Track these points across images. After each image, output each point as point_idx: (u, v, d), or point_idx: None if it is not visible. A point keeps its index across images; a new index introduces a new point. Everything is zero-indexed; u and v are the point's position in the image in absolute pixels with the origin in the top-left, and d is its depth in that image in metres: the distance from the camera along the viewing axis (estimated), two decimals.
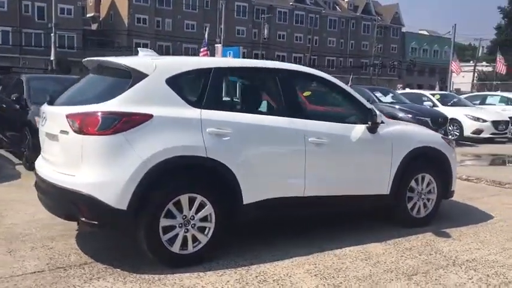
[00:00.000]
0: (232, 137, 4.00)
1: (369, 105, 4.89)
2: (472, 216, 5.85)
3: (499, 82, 35.79)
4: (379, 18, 70.64)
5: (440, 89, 37.43)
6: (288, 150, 4.35)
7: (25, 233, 4.67)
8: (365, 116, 4.78)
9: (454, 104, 15.32)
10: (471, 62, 66.82)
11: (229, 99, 4.41)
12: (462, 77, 47.96)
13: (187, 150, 3.83)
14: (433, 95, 15.32)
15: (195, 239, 3.95)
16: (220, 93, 4.28)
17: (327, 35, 67.63)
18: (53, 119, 4.01)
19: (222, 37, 41.79)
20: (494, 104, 16.25)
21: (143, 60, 4.10)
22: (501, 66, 34.00)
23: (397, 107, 12.60)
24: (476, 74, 59.50)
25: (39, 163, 4.45)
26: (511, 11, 58.00)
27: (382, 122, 4.84)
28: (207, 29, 31.44)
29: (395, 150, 4.94)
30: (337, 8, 70.06)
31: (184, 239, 3.90)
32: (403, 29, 75.56)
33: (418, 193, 5.22)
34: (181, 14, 58.11)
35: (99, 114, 3.64)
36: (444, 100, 15.34)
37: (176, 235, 3.87)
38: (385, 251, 4.48)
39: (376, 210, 5.26)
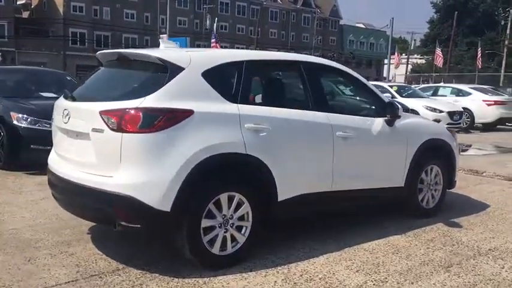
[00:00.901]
0: (268, 133, 3.87)
1: (386, 99, 4.91)
2: (470, 205, 6.03)
3: (437, 74, 37.34)
4: (318, 10, 71.78)
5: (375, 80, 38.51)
6: (319, 145, 4.28)
7: (34, 238, 4.32)
8: (382, 109, 4.78)
9: (410, 96, 15.82)
10: (403, 54, 69.41)
11: (262, 93, 4.26)
12: (395, 69, 49.63)
13: (229, 147, 3.67)
14: (391, 86, 15.74)
15: (233, 239, 3.80)
16: (256, 87, 4.13)
17: (269, 26, 67.85)
18: (80, 116, 3.70)
19: (167, 27, 41.05)
20: (446, 95, 16.93)
21: (177, 52, 3.88)
22: (439, 59, 35.47)
23: None
24: (410, 66, 61.90)
25: (54, 161, 4.13)
26: (444, 5, 60.65)
27: None
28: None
29: (409, 142, 5.00)
30: (278, 0, 70.41)
31: (224, 240, 3.75)
32: (341, 22, 77.16)
33: (427, 184, 5.32)
34: (120, 3, 56.20)
35: (141, 110, 3.39)
36: (400, 92, 15.80)
37: (216, 236, 3.71)
38: (409, 243, 4.52)
39: (385, 203, 5.29)
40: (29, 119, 7.04)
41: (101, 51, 4.25)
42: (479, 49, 36.98)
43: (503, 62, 43.79)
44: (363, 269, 3.87)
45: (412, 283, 3.62)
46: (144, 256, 3.94)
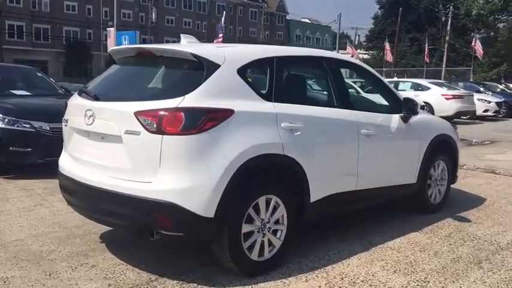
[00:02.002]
0: (302, 132, 3.72)
1: (400, 96, 4.88)
2: (466, 199, 6.13)
3: (387, 69, 38.34)
4: (266, 5, 71.89)
5: None
6: (347, 143, 4.19)
7: (44, 250, 3.98)
8: (398, 105, 4.75)
9: (372, 91, 16.04)
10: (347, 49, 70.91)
11: (292, 90, 4.09)
12: None
13: (268, 148, 3.49)
14: (355, 82, 15.90)
15: (270, 244, 3.64)
16: (287, 84, 3.96)
17: (216, 20, 67.13)
18: (109, 117, 3.39)
19: (114, 20, 39.80)
20: (405, 90, 17.31)
21: (210, 48, 3.65)
22: (389, 54, 36.38)
23: None
24: None
25: (69, 165, 3.80)
26: (387, 1, 62.25)
27: None
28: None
29: (422, 138, 5.01)
30: None
31: (262, 245, 3.58)
32: (288, 17, 77.74)
33: (434, 180, 5.36)
34: None
35: (182, 110, 3.16)
36: (363, 87, 15.99)
37: (255, 241, 3.53)
38: (430, 240, 4.51)
39: (399, 200, 5.27)
40: (6, 120, 6.52)
41: (116, 47, 3.96)
42: (426, 45, 38.20)
43: (444, 57, 45.61)
44: (399, 269, 3.81)
45: (453, 282, 3.60)
46: (173, 265, 3.71)
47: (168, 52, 3.62)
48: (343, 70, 4.71)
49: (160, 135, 3.14)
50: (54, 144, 6.36)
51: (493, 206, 5.83)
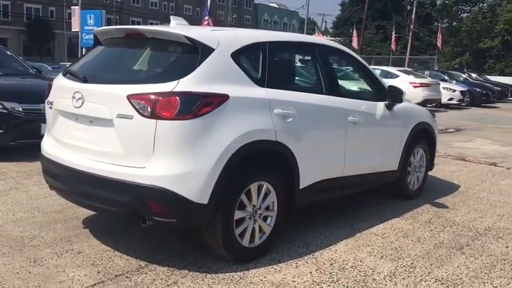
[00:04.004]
0: (294, 118, 3.71)
1: (385, 84, 4.92)
2: (441, 186, 6.27)
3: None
4: None
5: None
6: (335, 130, 4.20)
7: (26, 236, 3.85)
8: (383, 93, 4.79)
9: (343, 78, 16.13)
10: (314, 35, 71.18)
11: (284, 76, 4.04)
12: None
13: (262, 134, 3.46)
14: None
15: (260, 230, 3.64)
16: (279, 69, 3.91)
17: (183, 2, 66.32)
18: (99, 100, 3.27)
19: None
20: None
21: (204, 31, 3.57)
22: (355, 41, 36.70)
23: None
24: None
25: (53, 148, 3.68)
26: None
27: None
28: None
29: (404, 126, 5.08)
30: None
31: (253, 231, 3.57)
32: (256, 1, 77.27)
33: (414, 167, 5.46)
34: None
35: (177, 95, 3.08)
36: None
37: (246, 228, 3.52)
38: (412, 226, 4.60)
39: (380, 187, 5.34)
40: None
41: (102, 28, 3.82)
42: (393, 32, 38.72)
43: (409, 46, 46.41)
44: (385, 255, 3.87)
45: (439, 267, 3.68)
46: (161, 251, 3.65)
47: (161, 34, 3.52)
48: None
49: (155, 120, 3.06)
50: (27, 126, 6.23)
51: (467, 192, 5.99)
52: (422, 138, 5.47)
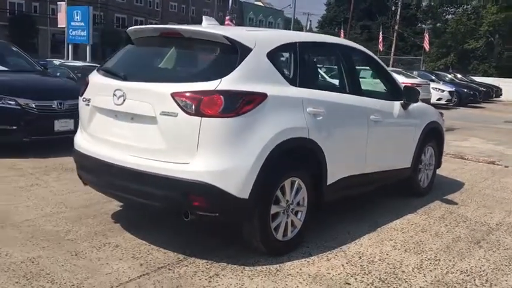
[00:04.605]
0: (324, 117, 3.84)
1: (400, 84, 5.09)
2: (448, 183, 6.46)
3: None
4: None
5: None
6: (358, 128, 4.35)
7: (60, 230, 3.93)
8: (398, 93, 4.96)
9: (335, 77, 16.37)
10: None
11: (313, 75, 4.18)
12: None
13: (297, 132, 3.59)
14: (320, 67, 16.15)
15: (292, 224, 3.77)
16: (309, 69, 4.04)
17: None
18: (143, 97, 3.36)
19: None
20: (366, 78, 17.72)
21: (241, 31, 3.68)
22: None
23: None
24: None
25: (89, 144, 3.75)
26: None
27: None
28: None
29: (418, 125, 5.26)
30: None
31: (286, 225, 3.70)
32: None
33: (424, 165, 5.63)
34: None
35: (222, 93, 3.19)
36: (326, 72, 16.29)
37: (280, 222, 3.64)
38: (427, 221, 4.77)
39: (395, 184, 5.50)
40: None
41: (136, 27, 3.90)
42: (380, 33, 39.12)
43: (393, 46, 46.92)
44: (409, 248, 4.03)
45: (461, 260, 3.85)
46: (195, 245, 3.76)
47: (200, 34, 3.61)
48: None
49: (199, 117, 3.17)
50: (40, 122, 6.25)
51: (472, 189, 6.20)
52: (432, 137, 5.65)
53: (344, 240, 4.10)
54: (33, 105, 6.27)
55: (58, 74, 10.36)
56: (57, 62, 16.93)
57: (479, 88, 25.64)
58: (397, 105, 4.89)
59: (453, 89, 21.20)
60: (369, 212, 4.89)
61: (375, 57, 4.95)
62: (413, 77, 18.70)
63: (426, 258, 3.85)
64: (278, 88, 3.54)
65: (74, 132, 6.48)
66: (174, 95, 3.21)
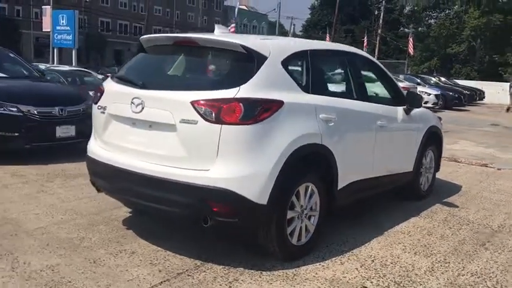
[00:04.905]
0: (335, 123, 3.92)
1: (402, 90, 5.20)
2: (446, 186, 6.58)
3: None
4: None
5: None
6: (366, 133, 4.44)
7: (75, 237, 3.93)
8: (401, 98, 5.07)
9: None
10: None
11: (324, 82, 4.25)
12: None
13: (311, 138, 3.66)
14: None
15: (306, 229, 3.83)
16: (320, 76, 4.12)
17: (153, 3, 65.54)
18: (161, 105, 3.39)
19: None
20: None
21: (255, 40, 3.73)
22: None
23: None
24: None
25: (105, 152, 3.77)
26: None
27: None
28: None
29: (419, 130, 5.37)
30: None
31: (300, 230, 3.76)
32: (226, 3, 77.50)
33: (425, 168, 5.75)
34: None
35: (241, 101, 3.24)
36: None
37: (295, 227, 3.71)
38: (431, 224, 4.87)
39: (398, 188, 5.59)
40: None
41: (150, 35, 3.93)
42: (366, 37, 39.53)
43: (376, 50, 47.46)
44: (418, 251, 4.11)
45: (470, 262, 3.94)
46: (210, 250, 3.80)
47: (215, 43, 3.66)
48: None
49: (219, 125, 3.21)
50: (42, 128, 6.23)
51: (470, 192, 6.33)
52: (433, 141, 5.77)
53: (354, 244, 4.17)
54: (35, 112, 6.24)
55: (49, 78, 10.28)
56: (42, 66, 16.79)
57: (464, 91, 26.06)
58: (400, 110, 4.99)
59: (439, 93, 21.54)
60: (373, 216, 4.96)
61: (379, 63, 5.05)
62: (401, 81, 18.95)
63: (436, 260, 3.94)
64: (293, 95, 3.61)
65: (76, 138, 6.63)
66: (193, 103, 3.25)
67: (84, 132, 6.71)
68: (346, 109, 4.13)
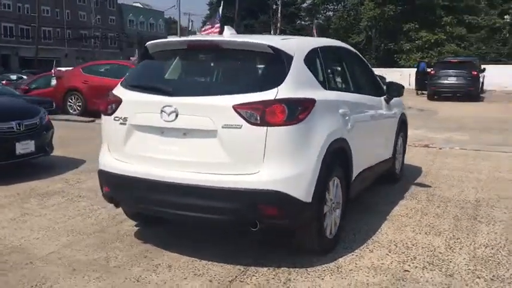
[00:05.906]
0: (349, 117, 4.04)
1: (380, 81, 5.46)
2: (407, 169, 6.93)
3: None
4: None
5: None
6: (367, 124, 4.61)
7: (97, 258, 3.70)
8: (381, 89, 5.32)
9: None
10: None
11: (334, 78, 4.33)
12: None
13: (337, 133, 3.75)
14: None
15: (334, 222, 3.92)
16: (331, 72, 4.20)
17: (40, 3, 61.65)
18: (200, 112, 3.27)
19: None
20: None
21: (278, 40, 3.72)
22: None
23: None
24: None
25: (126, 165, 3.57)
26: None
27: None
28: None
29: (395, 117, 5.69)
30: None
31: (331, 223, 3.85)
32: (119, 1, 74.87)
33: (398, 153, 6.08)
34: None
35: (283, 102, 3.24)
36: None
37: (328, 220, 3.78)
38: (420, 204, 5.15)
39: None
40: None
41: (162, 40, 3.78)
42: (271, 31, 40.23)
43: None
44: (427, 232, 4.35)
45: (475, 235, 4.27)
46: (240, 252, 3.76)
47: (241, 44, 3.60)
48: None
49: (265, 127, 3.19)
50: (1, 146, 5.72)
51: (431, 172, 6.78)
52: (402, 127, 6.12)
53: (368, 232, 4.32)
54: None
55: None
56: None
57: None
58: (381, 100, 5.24)
59: None
60: (365, 203, 5.07)
61: (361, 56, 5.26)
62: None
63: (448, 237, 4.20)
64: (318, 93, 3.66)
65: (36, 154, 6.15)
66: (236, 108, 3.20)
67: (43, 146, 6.31)
68: (354, 102, 4.28)
